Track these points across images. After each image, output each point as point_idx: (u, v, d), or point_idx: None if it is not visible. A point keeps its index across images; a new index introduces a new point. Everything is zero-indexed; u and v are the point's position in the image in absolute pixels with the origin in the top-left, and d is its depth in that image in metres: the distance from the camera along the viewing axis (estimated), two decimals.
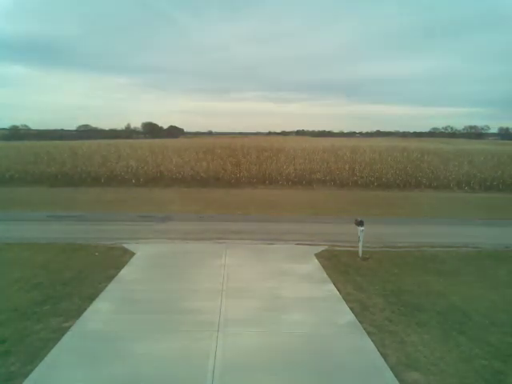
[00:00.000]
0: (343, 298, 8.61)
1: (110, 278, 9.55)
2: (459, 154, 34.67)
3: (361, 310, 8.08)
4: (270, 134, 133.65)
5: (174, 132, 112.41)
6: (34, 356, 6.27)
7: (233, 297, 8.57)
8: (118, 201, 20.83)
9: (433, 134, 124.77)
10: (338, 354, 6.46)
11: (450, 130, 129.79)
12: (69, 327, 7.16)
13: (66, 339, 6.77)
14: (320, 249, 12.28)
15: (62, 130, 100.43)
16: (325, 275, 10.01)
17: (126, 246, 12.38)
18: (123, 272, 10.05)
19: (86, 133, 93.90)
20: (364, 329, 7.27)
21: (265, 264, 10.79)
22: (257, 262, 11.03)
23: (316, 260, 11.22)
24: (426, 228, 15.88)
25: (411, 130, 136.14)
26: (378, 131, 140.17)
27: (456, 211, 19.42)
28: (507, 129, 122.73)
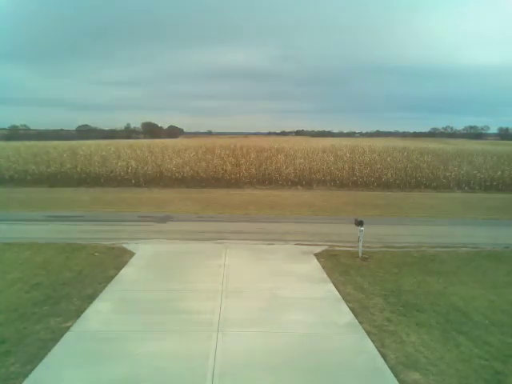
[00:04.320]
0: (343, 298, 8.60)
1: (110, 278, 9.54)
2: (459, 154, 34.62)
3: (361, 310, 8.07)
4: (269, 134, 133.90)
5: (174, 132, 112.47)
6: (34, 356, 6.26)
7: (233, 297, 8.57)
8: (117, 201, 20.82)
9: (433, 134, 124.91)
10: (337, 354, 6.46)
11: (449, 130, 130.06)
12: (68, 327, 7.15)
13: (66, 339, 6.76)
14: (320, 249, 12.28)
15: (62, 129, 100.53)
16: (324, 275, 10.01)
17: (125, 246, 12.37)
18: (123, 272, 10.04)
19: (86, 133, 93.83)
20: (364, 329, 7.27)
21: (264, 264, 10.79)
22: (256, 262, 11.03)
23: (316, 260, 11.21)
24: (425, 228, 15.88)
25: (411, 130, 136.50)
26: (378, 131, 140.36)
27: (456, 211, 19.42)
28: (507, 129, 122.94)
